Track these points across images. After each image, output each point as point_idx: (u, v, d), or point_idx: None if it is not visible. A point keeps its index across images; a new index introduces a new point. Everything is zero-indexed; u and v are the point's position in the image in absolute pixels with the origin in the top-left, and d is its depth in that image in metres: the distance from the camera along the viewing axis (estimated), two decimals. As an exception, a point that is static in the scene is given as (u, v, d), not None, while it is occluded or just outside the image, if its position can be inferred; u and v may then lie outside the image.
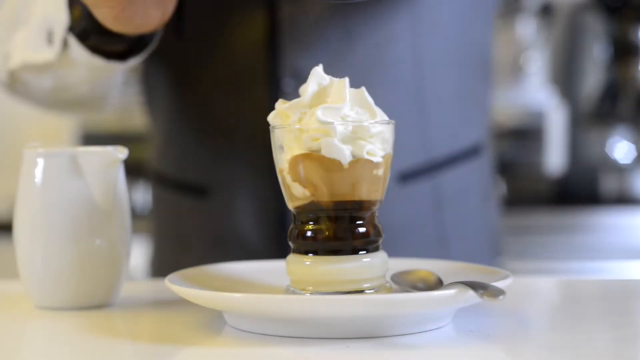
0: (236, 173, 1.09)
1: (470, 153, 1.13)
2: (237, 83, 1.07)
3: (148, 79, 1.17)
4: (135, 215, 0.93)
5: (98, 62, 0.92)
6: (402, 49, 1.07)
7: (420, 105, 1.08)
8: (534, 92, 2.30)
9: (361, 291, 0.69)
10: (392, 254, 0.73)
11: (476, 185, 1.15)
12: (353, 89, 0.70)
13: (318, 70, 0.71)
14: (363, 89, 0.71)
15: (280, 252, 1.03)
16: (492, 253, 1.17)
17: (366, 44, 1.06)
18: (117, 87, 1.09)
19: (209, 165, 1.10)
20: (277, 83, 1.04)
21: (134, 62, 0.95)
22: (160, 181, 1.17)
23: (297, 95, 0.71)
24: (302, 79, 0.71)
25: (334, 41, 1.05)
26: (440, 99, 1.09)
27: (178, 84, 1.11)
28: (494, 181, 1.19)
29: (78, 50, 0.92)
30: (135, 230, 0.84)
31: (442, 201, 1.10)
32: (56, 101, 1.08)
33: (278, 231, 1.07)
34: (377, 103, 0.72)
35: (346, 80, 0.70)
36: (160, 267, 1.19)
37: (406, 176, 1.08)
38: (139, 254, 1.33)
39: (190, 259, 1.12)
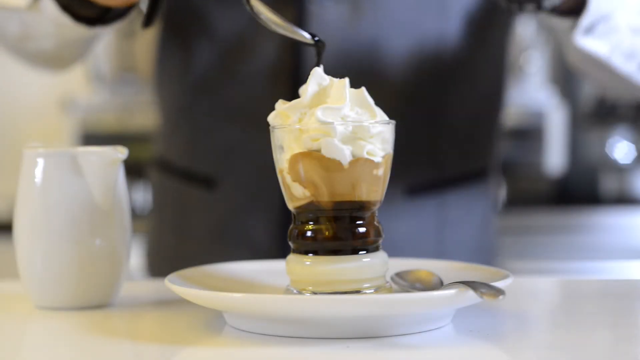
0: (246, 167, 1.09)
1: (477, 176, 1.15)
2: (257, 77, 1.08)
3: (161, 64, 1.18)
4: (135, 215, 0.93)
5: (66, 20, 0.96)
6: (426, 69, 1.08)
7: (435, 123, 1.09)
8: (534, 92, 2.30)
9: (361, 291, 0.69)
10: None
11: (480, 208, 1.16)
12: (353, 89, 0.70)
13: (318, 71, 0.71)
14: (363, 89, 0.71)
15: (284, 250, 1.04)
16: None
17: (392, 50, 1.07)
18: (82, 52, 1.12)
19: (218, 157, 1.11)
20: (299, 81, 1.04)
21: (101, 31, 0.98)
22: (166, 169, 1.18)
23: None
24: None
25: (359, 42, 1.06)
26: (455, 120, 1.11)
27: (193, 74, 1.12)
28: (496, 207, 1.21)
29: (49, 4, 0.96)
30: (135, 230, 0.84)
31: (446, 220, 1.12)
32: (20, 50, 1.10)
33: (283, 229, 1.07)
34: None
35: (346, 80, 0.70)
36: (159, 254, 1.19)
37: (414, 190, 1.09)
38: (139, 254, 1.33)
39: (191, 249, 1.13)
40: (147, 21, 0.93)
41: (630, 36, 1.00)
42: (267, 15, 0.75)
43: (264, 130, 1.07)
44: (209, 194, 1.12)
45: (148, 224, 1.24)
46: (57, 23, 0.98)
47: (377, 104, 0.71)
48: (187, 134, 1.14)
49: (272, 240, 1.08)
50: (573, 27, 0.98)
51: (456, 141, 1.11)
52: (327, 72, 0.72)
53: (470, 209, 1.15)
